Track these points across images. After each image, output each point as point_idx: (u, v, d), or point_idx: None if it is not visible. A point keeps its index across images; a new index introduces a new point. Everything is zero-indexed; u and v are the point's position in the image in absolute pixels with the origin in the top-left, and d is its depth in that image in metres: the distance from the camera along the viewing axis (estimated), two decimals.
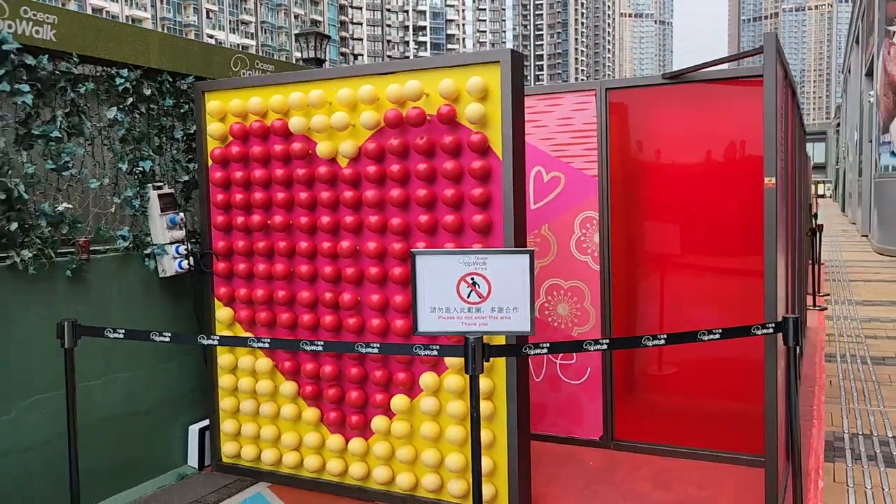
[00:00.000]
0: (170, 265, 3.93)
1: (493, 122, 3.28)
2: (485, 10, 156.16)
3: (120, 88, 3.73)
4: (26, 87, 3.28)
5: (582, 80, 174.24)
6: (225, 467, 4.13)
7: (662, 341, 2.86)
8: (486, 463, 3.40)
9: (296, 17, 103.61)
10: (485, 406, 3.37)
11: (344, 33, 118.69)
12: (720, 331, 2.93)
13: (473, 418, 2.72)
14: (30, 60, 3.29)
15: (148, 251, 3.88)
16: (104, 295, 3.69)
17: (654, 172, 4.26)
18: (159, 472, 4.05)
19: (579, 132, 4.27)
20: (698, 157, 4.20)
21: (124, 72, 3.75)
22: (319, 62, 13.48)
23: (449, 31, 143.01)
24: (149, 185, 3.90)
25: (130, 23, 4.54)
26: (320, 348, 2.94)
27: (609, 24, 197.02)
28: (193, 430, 4.19)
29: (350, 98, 3.53)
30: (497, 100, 3.26)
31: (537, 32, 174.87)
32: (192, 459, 4.20)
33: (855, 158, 26.04)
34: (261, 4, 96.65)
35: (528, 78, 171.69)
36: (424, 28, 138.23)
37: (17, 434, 3.33)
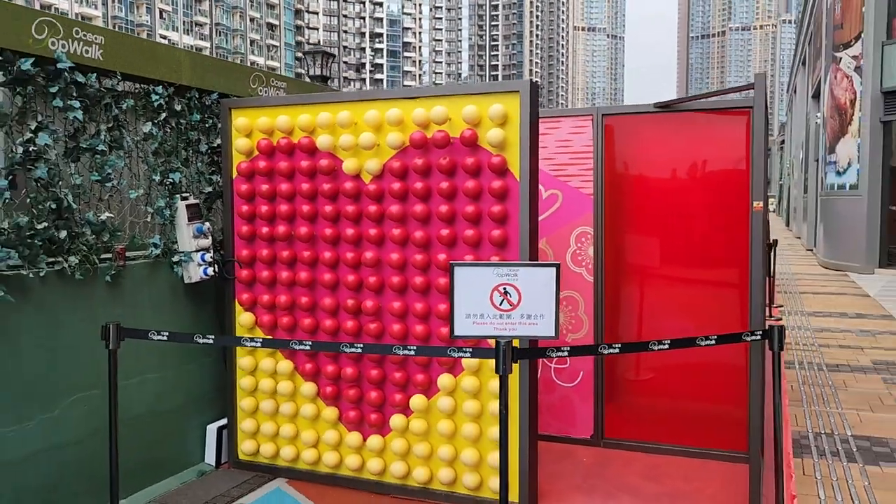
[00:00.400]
0: (195, 272, 4.15)
1: (511, 145, 3.61)
2: (441, 19, 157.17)
3: (155, 104, 3.95)
4: (77, 104, 3.49)
5: None
6: (242, 464, 4.36)
7: (666, 346, 3.22)
8: (498, 458, 3.71)
9: (251, 20, 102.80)
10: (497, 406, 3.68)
11: (300, 38, 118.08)
12: (715, 337, 3.31)
13: (502, 415, 3.03)
14: (80, 78, 3.50)
15: (175, 259, 4.09)
16: (136, 300, 3.89)
17: (642, 190, 4.65)
18: (179, 470, 4.25)
19: (577, 153, 4.63)
20: (682, 177, 4.60)
21: (159, 89, 3.97)
22: (325, 79, 13.81)
23: (406, 39, 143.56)
24: (177, 195, 4.12)
25: (80, 20, 4.74)
26: (360, 350, 3.22)
27: (563, 37, 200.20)
28: (211, 428, 4.40)
29: (377, 119, 3.82)
30: (516, 126, 3.60)
31: (493, 42, 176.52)
32: (210, 457, 4.41)
33: (800, 175, 27.20)
34: (216, 6, 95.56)
35: None
36: (381, 35, 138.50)
37: (59, 431, 3.51)
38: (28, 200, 3.34)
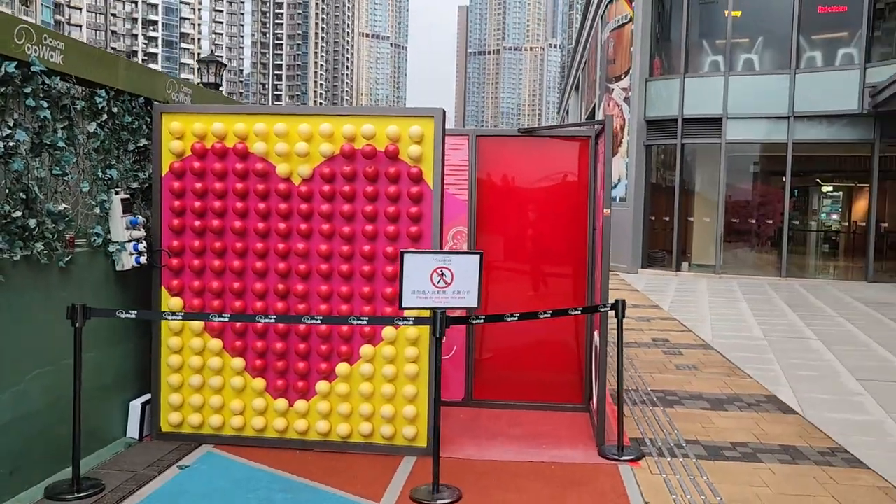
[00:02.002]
0: (127, 260, 4.53)
1: (426, 159, 4.51)
2: (222, 11, 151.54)
3: (99, 106, 4.31)
4: (45, 104, 3.82)
5: (321, 93, 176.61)
6: (165, 435, 4.78)
7: (549, 315, 4.30)
8: (411, 410, 4.58)
9: None
10: (412, 368, 4.56)
11: (59, 17, 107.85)
12: (580, 308, 4.47)
13: (435, 370, 3.92)
14: (48, 81, 3.83)
15: (111, 248, 4.46)
16: (81, 284, 4.23)
17: (506, 198, 5.74)
18: (107, 443, 4.58)
19: (455, 166, 5.61)
20: (537, 187, 5.76)
21: (102, 92, 4.33)
22: (216, 86, 13.63)
23: (183, 30, 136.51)
24: (112, 190, 4.48)
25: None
26: (319, 321, 3.93)
27: (349, 42, 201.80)
28: (135, 404, 4.78)
29: (309, 131, 4.52)
30: (430, 144, 4.50)
31: (277, 42, 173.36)
32: (133, 431, 4.77)
33: None
34: None
35: (267, 87, 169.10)
36: (156, 22, 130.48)
37: (24, 402, 3.81)
38: (6, 192, 3.63)
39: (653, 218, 17.76)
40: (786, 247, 16.62)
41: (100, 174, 4.35)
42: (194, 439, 4.76)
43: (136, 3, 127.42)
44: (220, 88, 14.26)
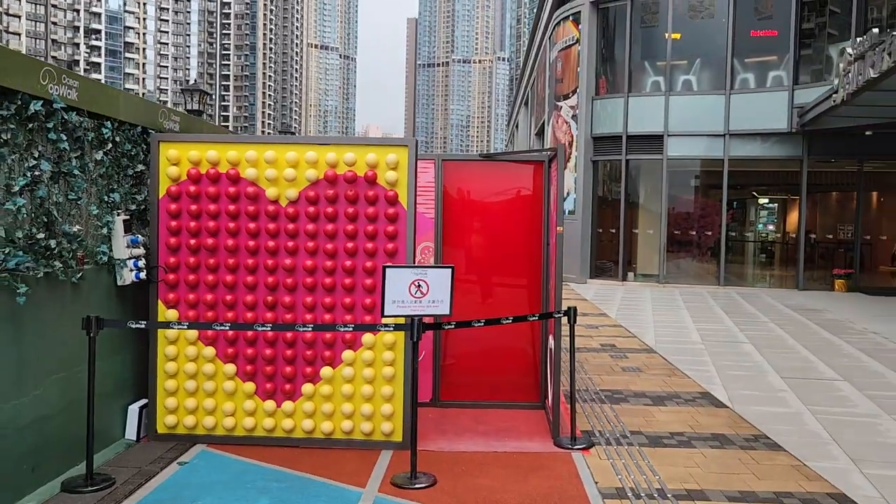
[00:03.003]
0: (128, 276, 4.98)
1: (401, 184, 5.07)
2: (168, 21, 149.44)
3: (105, 136, 4.76)
4: (64, 136, 4.27)
5: (269, 104, 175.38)
6: (161, 436, 5.21)
7: (510, 320, 4.91)
8: (388, 408, 5.12)
9: None
10: (389, 370, 5.10)
11: None
12: (537, 315, 5.08)
13: (412, 371, 4.47)
14: (66, 116, 4.28)
15: (113, 265, 4.89)
16: (88, 298, 4.66)
17: (468, 216, 6.34)
18: (108, 444, 5.00)
19: (422, 187, 6.18)
20: (496, 207, 6.38)
21: (108, 123, 4.78)
22: (199, 113, 13.93)
23: (128, 39, 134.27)
24: (115, 211, 4.93)
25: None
26: (310, 329, 4.44)
27: (297, 53, 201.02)
28: (133, 408, 5.21)
29: (296, 158, 5.04)
30: (405, 170, 5.07)
31: (224, 52, 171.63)
32: (131, 433, 5.20)
33: None
34: None
35: (215, 98, 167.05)
36: (99, 32, 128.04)
37: (43, 405, 4.23)
38: (32, 216, 4.07)
39: (600, 230, 18.63)
40: (724, 257, 17.65)
41: (105, 198, 4.79)
42: (188, 439, 5.20)
43: (77, 12, 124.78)
44: (203, 115, 14.66)
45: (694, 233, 18.36)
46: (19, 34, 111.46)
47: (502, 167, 6.32)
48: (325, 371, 5.11)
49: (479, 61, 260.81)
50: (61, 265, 4.27)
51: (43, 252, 4.12)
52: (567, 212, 18.56)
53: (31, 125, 4.04)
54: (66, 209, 4.40)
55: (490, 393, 6.34)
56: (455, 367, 6.41)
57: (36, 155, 4.08)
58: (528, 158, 6.29)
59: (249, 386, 5.16)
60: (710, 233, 18.16)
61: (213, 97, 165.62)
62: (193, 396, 5.19)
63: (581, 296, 15.47)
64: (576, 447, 5.19)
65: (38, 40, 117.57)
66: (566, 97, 19.43)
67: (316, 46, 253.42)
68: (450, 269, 4.51)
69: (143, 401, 5.26)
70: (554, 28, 20.84)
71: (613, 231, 18.43)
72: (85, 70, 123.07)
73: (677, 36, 18.16)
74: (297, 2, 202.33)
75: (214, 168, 5.10)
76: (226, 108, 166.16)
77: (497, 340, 6.33)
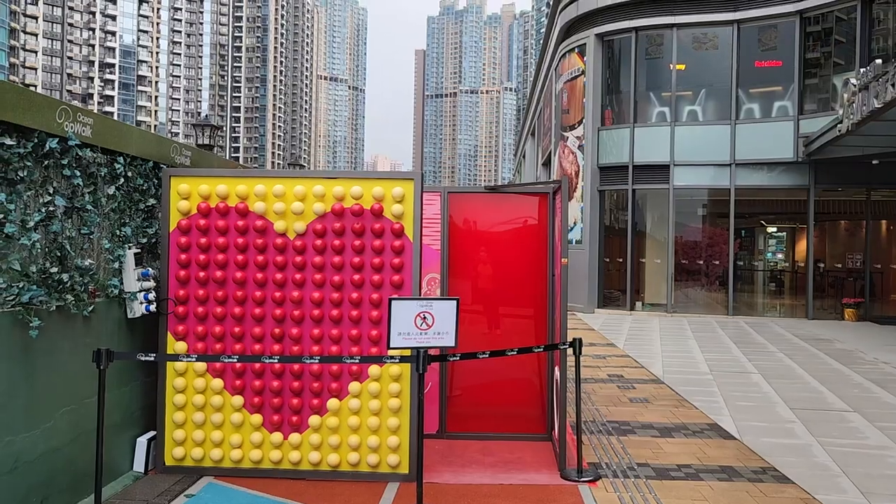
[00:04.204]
0: (138, 308, 5.04)
1: (407, 216, 5.15)
2: (180, 55, 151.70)
3: (118, 171, 4.86)
4: (78, 172, 4.37)
5: (280, 135, 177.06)
6: (168, 469, 5.24)
7: (516, 352, 4.93)
8: (394, 440, 5.13)
9: None
10: (395, 402, 5.12)
11: (14, 59, 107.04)
12: (542, 347, 5.10)
13: (418, 403, 4.50)
14: (80, 153, 4.38)
15: (124, 297, 4.97)
16: (99, 331, 4.72)
17: (473, 247, 6.40)
18: (115, 477, 5.03)
19: (428, 219, 6.26)
20: (501, 238, 6.44)
21: (120, 158, 4.89)
22: (210, 147, 14.16)
23: (141, 72, 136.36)
24: (125, 245, 5.01)
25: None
26: (317, 361, 4.49)
27: (307, 84, 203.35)
28: (141, 440, 5.23)
29: (303, 192, 5.13)
30: (411, 202, 5.15)
31: (235, 84, 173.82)
32: (139, 465, 5.22)
33: None
34: None
35: (225, 131, 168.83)
36: (113, 65, 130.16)
37: (53, 438, 4.27)
38: (45, 251, 4.15)
39: (607, 259, 18.64)
40: (732, 286, 17.61)
41: (116, 232, 4.88)
42: (196, 472, 5.22)
43: (92, 47, 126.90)
44: (214, 149, 14.88)
45: (702, 262, 18.35)
46: (35, 68, 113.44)
47: (507, 199, 6.39)
48: (332, 403, 5.14)
49: (487, 92, 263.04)
50: (73, 298, 4.34)
51: (56, 286, 4.19)
52: (574, 241, 18.61)
53: (46, 162, 4.14)
54: (78, 243, 4.48)
55: (497, 424, 6.34)
56: (462, 399, 6.42)
57: (51, 191, 4.18)
58: (533, 191, 6.36)
59: (257, 418, 5.19)
60: (717, 262, 18.14)
61: (224, 129, 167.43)
62: (201, 428, 5.22)
63: (589, 325, 15.45)
64: (582, 480, 5.18)
65: (53, 74, 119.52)
66: (572, 128, 19.59)
67: (325, 78, 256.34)
68: (455, 301, 4.55)
69: (151, 433, 5.29)
70: (560, 60, 21.07)
71: (621, 260, 18.44)
72: (99, 103, 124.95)
73: (682, 67, 18.33)
74: (308, 34, 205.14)
75: (224, 202, 5.19)
76: (236, 140, 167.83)
77: (503, 372, 6.34)
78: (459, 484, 5.13)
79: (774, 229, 21.52)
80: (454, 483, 5.14)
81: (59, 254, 4.24)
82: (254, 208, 5.16)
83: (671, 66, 18.20)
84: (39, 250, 4.07)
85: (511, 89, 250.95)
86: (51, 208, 4.16)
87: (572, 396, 6.52)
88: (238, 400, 5.19)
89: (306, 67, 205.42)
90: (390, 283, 5.14)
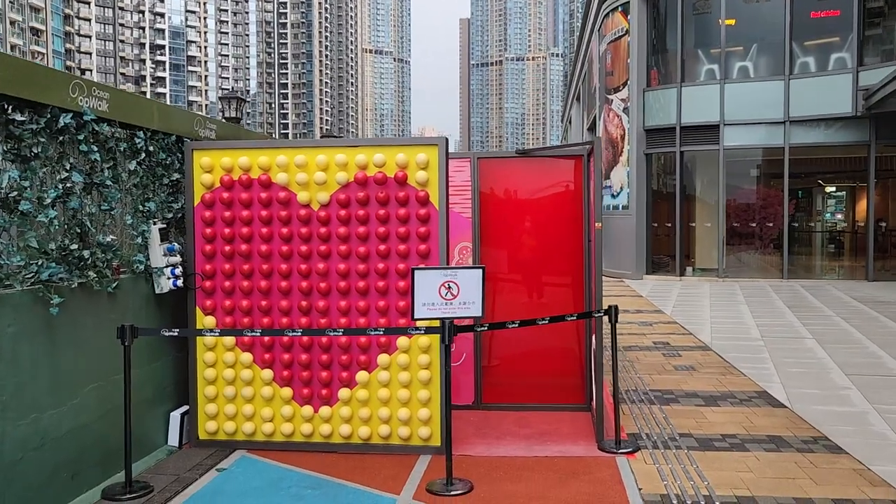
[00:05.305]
0: (165, 284, 5.02)
1: (432, 183, 4.98)
2: (227, 34, 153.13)
3: (138, 146, 4.81)
4: (95, 148, 4.32)
5: (327, 110, 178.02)
6: (202, 443, 5.25)
7: (546, 321, 4.75)
8: (425, 413, 5.03)
9: (12, 23, 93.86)
10: (425, 374, 5.01)
11: (70, 45, 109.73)
12: (576, 315, 4.91)
13: (445, 374, 4.37)
14: (97, 127, 4.33)
15: (151, 273, 4.94)
16: (125, 307, 4.71)
17: (506, 214, 6.20)
18: (150, 451, 5.05)
19: (458, 186, 6.08)
20: (534, 204, 6.23)
21: (140, 133, 4.83)
22: (237, 121, 14.41)
23: (190, 53, 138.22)
24: (151, 220, 4.97)
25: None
26: (341, 333, 4.39)
27: (352, 59, 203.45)
28: (175, 415, 5.25)
29: (326, 161, 5.00)
30: (435, 169, 4.98)
31: (282, 61, 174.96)
32: (173, 439, 5.25)
33: None
34: None
35: (273, 107, 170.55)
36: (163, 47, 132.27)
37: (81, 414, 4.29)
38: (65, 227, 4.13)
39: (655, 224, 18.16)
40: (787, 249, 16.98)
41: (140, 207, 4.85)
42: (229, 445, 5.22)
43: (143, 29, 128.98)
44: (241, 122, 14.97)
45: (755, 224, 17.73)
46: (90, 53, 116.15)
47: (540, 163, 6.17)
48: (362, 375, 5.06)
49: (533, 58, 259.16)
50: (95, 275, 4.32)
51: (76, 263, 4.17)
52: (621, 207, 18.18)
53: (62, 138, 4.10)
54: (99, 220, 4.46)
55: (534, 395, 6.18)
56: (498, 369, 6.29)
57: (67, 167, 4.14)
58: (567, 153, 6.11)
59: (287, 391, 5.15)
60: (771, 224, 17.51)
61: (273, 106, 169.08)
62: (232, 402, 5.21)
63: (637, 292, 15.11)
64: (620, 451, 5.00)
65: (107, 58, 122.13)
66: (617, 90, 19.03)
67: (370, 51, 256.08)
68: (480, 270, 4.39)
69: (185, 407, 5.31)
70: (603, 20, 20.43)
71: (669, 225, 17.94)
72: (151, 84, 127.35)
73: (732, 21, 17.56)
74: (351, 8, 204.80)
75: (246, 174, 5.11)
76: (285, 116, 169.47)
77: (541, 341, 6.17)
78: (492, 456, 5.01)
79: (833, 188, 20.66)
80: (487, 455, 5.02)
81: (78, 230, 4.21)
82: (277, 179, 5.06)
83: (720, 20, 17.45)
84: (58, 227, 4.04)
85: (558, 55, 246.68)
86: (68, 185, 4.13)
87: (611, 365, 6.31)
88: (268, 373, 5.14)
89: (351, 42, 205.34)
90: (416, 253, 5.00)
